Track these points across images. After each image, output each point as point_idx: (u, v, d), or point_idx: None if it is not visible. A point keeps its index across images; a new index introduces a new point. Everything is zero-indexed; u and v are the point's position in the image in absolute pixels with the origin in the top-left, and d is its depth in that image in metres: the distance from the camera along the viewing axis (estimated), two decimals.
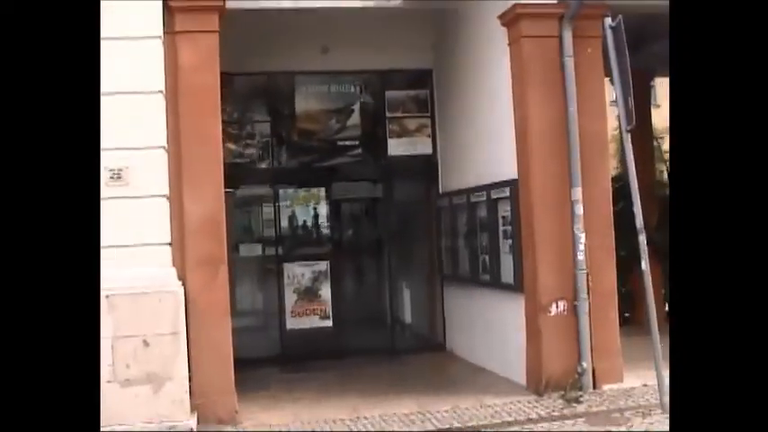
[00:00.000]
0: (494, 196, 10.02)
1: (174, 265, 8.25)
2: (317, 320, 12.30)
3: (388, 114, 12.59)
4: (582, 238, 8.81)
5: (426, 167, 12.55)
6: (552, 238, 8.97)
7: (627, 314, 12.46)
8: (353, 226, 14.04)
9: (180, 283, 8.20)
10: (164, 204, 8.18)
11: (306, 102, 12.55)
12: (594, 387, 8.91)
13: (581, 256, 8.84)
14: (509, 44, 9.40)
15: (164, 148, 8.19)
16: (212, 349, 8.30)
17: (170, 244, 8.23)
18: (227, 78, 11.57)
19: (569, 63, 8.97)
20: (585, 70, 9.05)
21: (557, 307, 8.95)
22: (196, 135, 8.36)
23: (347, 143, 12.69)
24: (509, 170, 9.51)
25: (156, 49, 8.18)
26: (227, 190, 8.89)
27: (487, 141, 10.44)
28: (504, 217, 9.86)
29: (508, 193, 9.55)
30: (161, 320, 7.87)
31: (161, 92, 8.19)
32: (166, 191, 8.21)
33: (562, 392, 8.70)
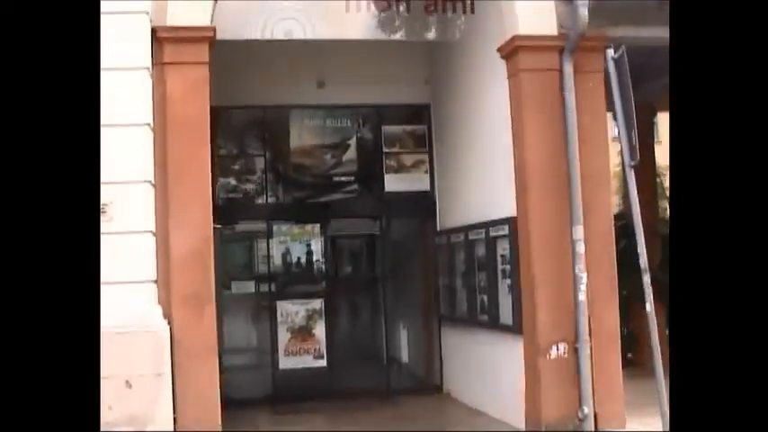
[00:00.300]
0: (492, 234, 9.73)
1: (159, 302, 7.95)
2: (310, 360, 11.99)
3: (384, 150, 12.41)
4: (583, 278, 8.49)
5: (424, 204, 12.32)
6: (552, 277, 8.66)
7: (629, 355, 12.09)
8: (349, 263, 13.85)
9: (165, 321, 7.90)
10: (149, 240, 7.90)
11: (301, 136, 12.38)
12: None
13: (582, 297, 8.51)
14: (508, 77, 9.14)
15: (150, 182, 7.91)
16: (198, 391, 7.99)
17: (155, 281, 7.94)
18: (220, 112, 11.54)
19: (570, 97, 8.70)
20: (587, 104, 8.80)
21: (557, 349, 8.62)
22: (184, 169, 8.09)
23: (343, 179, 12.45)
24: (508, 207, 9.23)
25: (144, 81, 7.92)
26: (217, 225, 8.59)
27: (486, 178, 10.19)
28: (502, 256, 9.56)
29: (507, 231, 9.26)
30: (144, 360, 7.57)
31: (148, 124, 7.92)
32: (152, 226, 7.93)
33: None
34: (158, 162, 8.02)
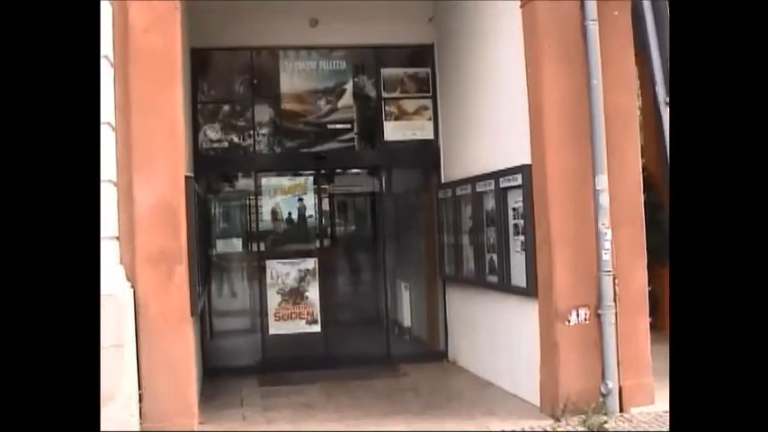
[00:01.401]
0: (503, 185, 8.71)
1: (121, 262, 6.95)
2: (302, 325, 11.10)
3: (384, 95, 11.45)
4: (608, 234, 7.47)
5: (427, 154, 11.36)
6: (572, 234, 7.64)
7: (650, 318, 11.04)
8: (345, 219, 12.93)
9: (129, 284, 6.92)
10: (109, 191, 6.89)
11: (292, 80, 11.34)
12: (621, 410, 7.57)
13: (606, 256, 7.50)
14: (521, 6, 8.08)
15: (109, 124, 6.87)
16: (168, 363, 7.04)
17: (117, 238, 6.97)
18: (202, 54, 10.72)
19: (592, 28, 7.63)
20: (611, 37, 7.75)
21: (577, 315, 7.63)
22: (149, 109, 7.04)
23: (338, 127, 11.45)
24: (521, 155, 8.22)
25: (103, 7, 6.80)
26: (188, 174, 7.59)
27: (496, 123, 9.17)
28: (514, 209, 8.54)
29: (520, 182, 8.23)
30: (103, 329, 6.50)
31: (106, 57, 6.84)
32: (113, 175, 6.93)
33: (583, 417, 7.34)
34: (119, 103, 6.99)
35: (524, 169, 8.10)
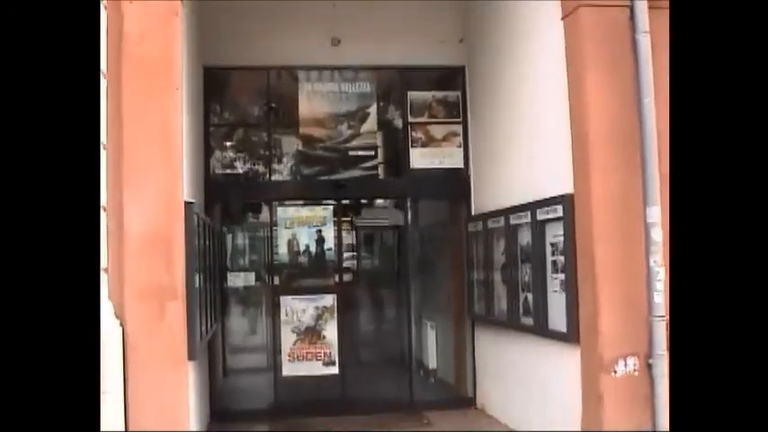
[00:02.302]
0: (541, 217, 7.87)
1: (110, 298, 6.12)
2: (319, 366, 10.28)
3: (410, 119, 10.72)
4: (660, 273, 6.56)
5: (456, 183, 10.62)
6: (619, 272, 6.74)
7: None
8: (367, 252, 12.33)
9: (117, 323, 6.08)
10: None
11: (311, 103, 10.61)
12: None
13: (658, 299, 6.57)
14: (563, 18, 7.27)
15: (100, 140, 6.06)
16: (159, 412, 6.14)
17: (105, 270, 6.11)
18: (215, 73, 10.07)
19: (643, 41, 6.78)
20: (665, 51, 6.77)
21: (624, 365, 6.72)
22: (143, 124, 6.23)
23: (360, 153, 10.68)
24: (562, 184, 7.39)
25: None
26: (190, 200, 6.80)
27: (533, 149, 8.37)
28: (553, 244, 7.70)
29: (560, 213, 7.39)
30: None
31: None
32: (102, 198, 6.08)
33: None
34: (110, 116, 6.18)
35: (566, 199, 7.25)
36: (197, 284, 7.01)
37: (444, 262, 11.20)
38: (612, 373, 6.71)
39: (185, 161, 7.38)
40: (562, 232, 7.39)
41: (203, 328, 7.58)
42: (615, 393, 6.70)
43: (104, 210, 6.13)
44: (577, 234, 7.09)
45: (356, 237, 11.78)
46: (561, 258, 7.47)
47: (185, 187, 7.01)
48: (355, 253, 11.81)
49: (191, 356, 6.66)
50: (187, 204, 6.62)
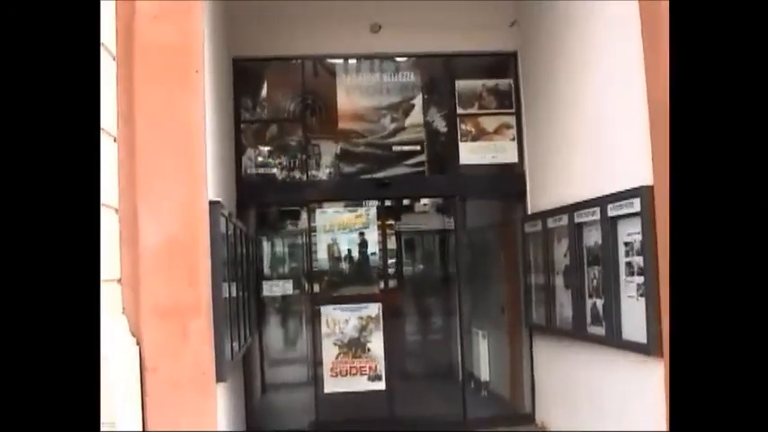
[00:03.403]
0: (612, 213, 6.99)
1: (124, 312, 5.33)
2: (364, 381, 9.47)
3: (459, 111, 9.90)
4: None
5: (510, 180, 9.83)
6: None
7: None
8: (413, 257, 11.53)
9: (133, 341, 5.29)
10: (110, 219, 5.25)
11: (351, 95, 9.86)
12: None
13: None
14: None
15: (109, 134, 5.27)
16: None
17: (118, 281, 5.31)
18: (245, 65, 9.38)
19: None
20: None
21: None
22: (159, 117, 5.42)
23: (405, 149, 9.89)
24: (638, 175, 6.50)
25: None
26: (215, 199, 5.99)
27: (600, 138, 7.50)
28: (628, 243, 6.81)
29: (637, 208, 6.50)
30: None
31: (106, 49, 5.27)
32: (114, 201, 5.30)
33: None
34: (122, 108, 5.38)
35: (644, 192, 6.35)
36: (226, 296, 6.20)
37: (497, 266, 10.43)
38: None
39: (211, 160, 6.60)
40: (639, 230, 6.49)
41: (235, 344, 6.78)
42: None
43: (116, 212, 5.36)
44: (660, 232, 6.19)
45: (402, 240, 10.99)
46: (638, 259, 6.58)
47: (211, 188, 6.22)
48: (402, 258, 10.99)
49: (219, 378, 5.85)
50: (212, 204, 5.81)
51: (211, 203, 5.80)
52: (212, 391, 5.64)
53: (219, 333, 5.82)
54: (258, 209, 10.01)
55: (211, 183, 6.31)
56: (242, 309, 7.69)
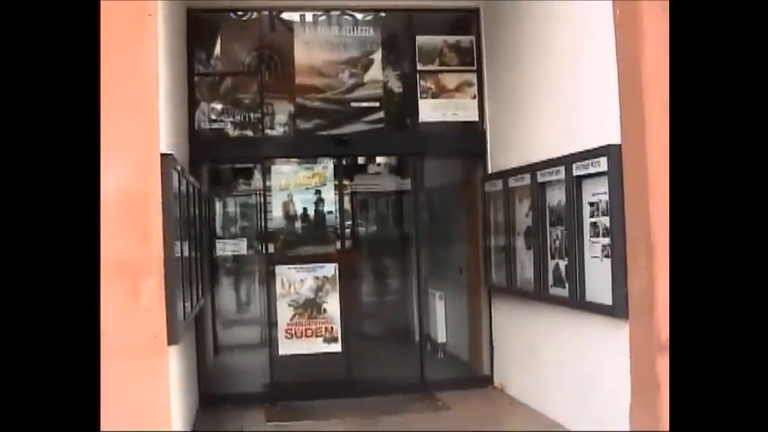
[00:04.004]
0: (578, 173, 6.79)
1: None
2: (319, 343, 9.18)
3: (419, 67, 9.56)
4: None
5: (470, 138, 9.50)
6: None
7: None
8: (372, 216, 11.31)
9: None
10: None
11: (308, 49, 9.42)
12: None
13: None
14: None
15: None
16: (135, 409, 5.10)
17: None
18: (199, 17, 9.04)
19: None
20: None
21: None
22: (111, 62, 5.06)
23: (364, 105, 9.49)
24: (605, 134, 6.32)
25: None
26: (166, 152, 5.70)
27: (565, 95, 7.33)
28: (593, 204, 6.63)
29: (604, 167, 6.32)
30: None
31: None
32: None
33: None
34: None
35: (612, 151, 6.18)
36: (179, 255, 5.92)
37: (457, 227, 10.20)
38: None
39: (164, 111, 6.31)
40: (605, 189, 6.33)
41: (188, 305, 6.51)
42: None
43: None
44: (628, 191, 6.04)
45: (360, 199, 10.73)
46: (604, 220, 6.42)
47: (164, 141, 5.94)
48: (359, 217, 10.76)
49: (171, 340, 5.59)
50: (165, 157, 5.52)
51: (164, 156, 5.51)
52: (165, 353, 5.41)
53: (172, 293, 5.57)
54: (212, 166, 9.69)
55: (164, 136, 6.03)
56: (195, 269, 7.43)
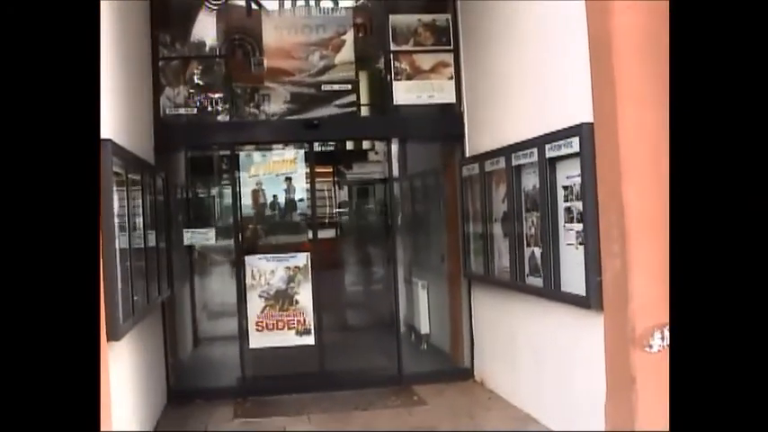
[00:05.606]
0: (550, 154, 6.47)
1: None
2: (291, 336, 8.86)
3: (393, 47, 9.19)
4: None
5: (447, 121, 9.19)
6: (658, 221, 5.17)
7: None
8: (346, 204, 10.71)
9: None
10: None
11: (277, 30, 9.07)
12: None
13: None
14: None
15: None
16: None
17: None
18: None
19: None
20: None
21: (662, 337, 5.38)
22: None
23: (336, 88, 9.16)
24: (578, 112, 5.99)
25: None
26: (105, 138, 5.35)
27: (540, 75, 6.98)
28: (567, 187, 6.31)
29: (576, 148, 5.99)
30: None
31: None
32: None
33: None
34: None
35: (583, 130, 5.85)
36: (119, 246, 5.58)
37: (435, 212, 9.94)
38: (647, 348, 5.38)
39: (115, 95, 5.99)
40: (578, 172, 5.99)
41: (137, 298, 6.18)
42: (650, 372, 5.39)
43: None
44: (600, 174, 5.72)
45: (333, 185, 10.40)
46: (578, 204, 6.09)
47: (112, 127, 5.63)
48: (333, 204, 10.43)
49: (111, 337, 5.27)
50: (103, 143, 5.17)
51: (102, 142, 5.16)
52: (105, 351, 5.09)
53: (110, 288, 5.24)
54: (178, 152, 9.35)
55: (114, 122, 5.72)
56: (153, 260, 7.12)
